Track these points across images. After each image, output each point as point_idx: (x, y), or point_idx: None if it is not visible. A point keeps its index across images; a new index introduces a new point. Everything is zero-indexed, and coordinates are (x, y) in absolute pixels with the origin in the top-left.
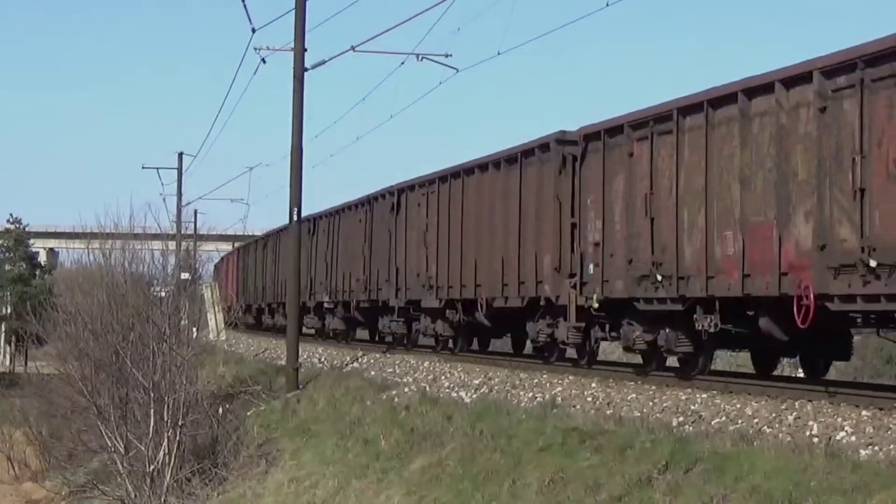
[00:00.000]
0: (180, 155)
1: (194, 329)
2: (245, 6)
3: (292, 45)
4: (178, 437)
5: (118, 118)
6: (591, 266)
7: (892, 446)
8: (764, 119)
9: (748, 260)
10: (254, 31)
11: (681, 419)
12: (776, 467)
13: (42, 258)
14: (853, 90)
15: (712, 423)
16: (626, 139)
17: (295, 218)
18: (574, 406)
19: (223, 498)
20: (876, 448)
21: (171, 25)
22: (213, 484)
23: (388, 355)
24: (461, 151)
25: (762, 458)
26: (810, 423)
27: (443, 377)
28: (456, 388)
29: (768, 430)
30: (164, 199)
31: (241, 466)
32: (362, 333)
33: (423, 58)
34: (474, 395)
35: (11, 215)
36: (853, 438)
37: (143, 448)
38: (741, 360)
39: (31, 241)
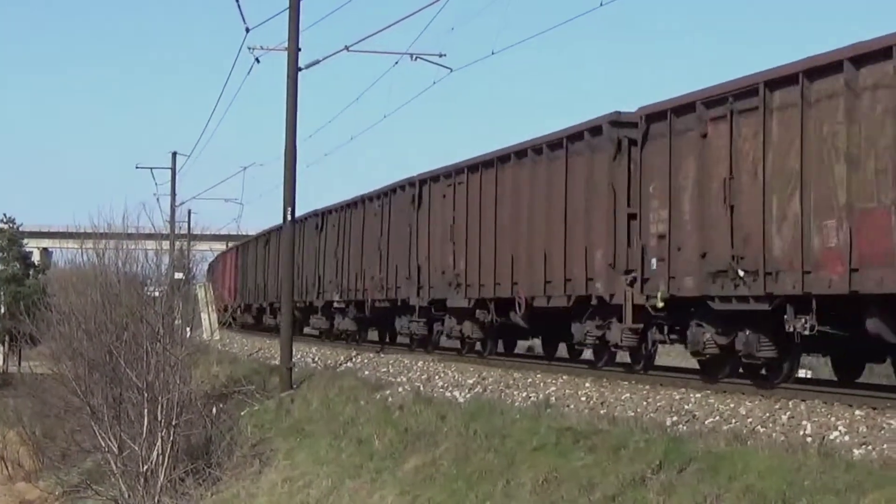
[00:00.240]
0: (174, 155)
1: (188, 329)
2: (239, 6)
3: (286, 44)
4: (171, 437)
5: (112, 118)
6: (654, 261)
7: (885, 446)
8: (878, 91)
9: (856, 252)
10: (248, 30)
11: (675, 419)
12: (770, 467)
13: (36, 258)
14: None
15: (706, 422)
16: (698, 119)
17: (289, 217)
18: (568, 405)
19: (217, 498)
20: (869, 447)
21: (165, 25)
22: (206, 484)
23: (382, 355)
24: (455, 151)
25: (756, 458)
26: (804, 422)
27: (436, 377)
28: (450, 388)
29: (762, 430)
30: (157, 199)
31: (235, 466)
32: (368, 334)
33: (417, 57)
34: (468, 395)
35: (5, 215)
36: (847, 438)
37: (136, 448)
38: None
39: (25, 240)
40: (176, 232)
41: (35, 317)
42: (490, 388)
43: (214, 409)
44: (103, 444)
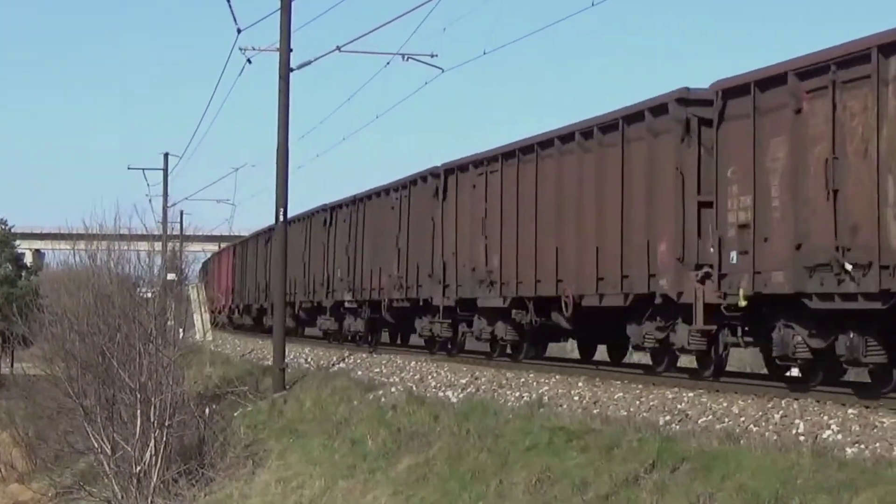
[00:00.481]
0: (166, 156)
1: (181, 330)
2: (230, 6)
3: (278, 45)
4: (164, 438)
5: (104, 119)
6: (734, 254)
7: (877, 444)
8: None
9: None
10: (239, 31)
11: (667, 418)
12: (763, 466)
13: (28, 259)
14: None
15: (699, 421)
16: (791, 93)
17: (281, 218)
18: (561, 405)
19: (210, 499)
20: (862, 446)
21: (157, 26)
22: (199, 485)
23: (376, 355)
24: (449, 151)
25: (749, 457)
26: (797, 421)
27: (429, 377)
28: (443, 388)
29: (755, 429)
30: (149, 200)
31: (228, 467)
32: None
33: (408, 58)
34: (461, 395)
35: None
36: (839, 437)
37: (129, 449)
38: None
39: (17, 242)
40: (168, 233)
41: (27, 318)
42: (483, 387)
43: (207, 410)
44: (96, 446)
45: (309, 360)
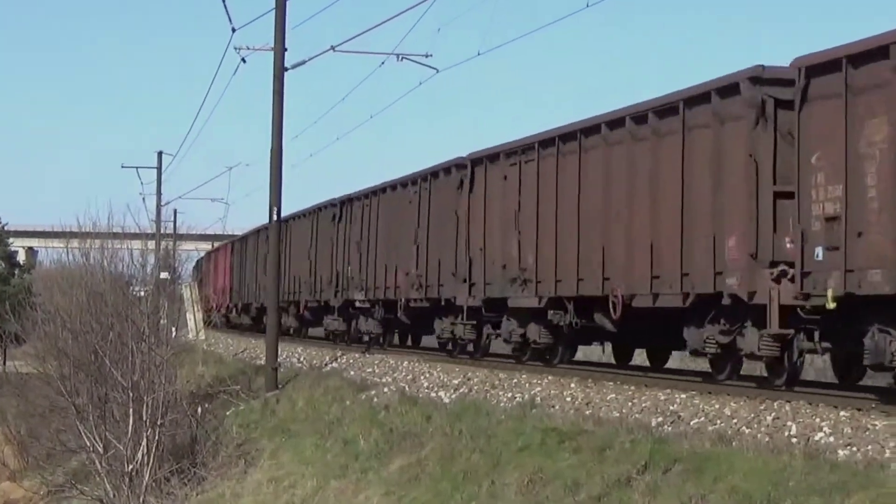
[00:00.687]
0: (160, 154)
1: (173, 328)
2: (225, 5)
3: (272, 44)
4: (156, 437)
5: (98, 117)
6: (820, 250)
7: (869, 447)
8: None
9: None
10: (234, 30)
11: (660, 419)
12: (755, 468)
13: (21, 257)
14: None
15: (691, 423)
16: (893, 68)
17: (275, 217)
18: (553, 406)
19: (202, 498)
20: (854, 448)
21: (151, 24)
22: (191, 484)
23: (368, 355)
24: (443, 151)
25: (741, 459)
26: (789, 423)
27: (422, 377)
28: (435, 388)
29: (747, 431)
30: (143, 199)
31: (220, 466)
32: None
33: (403, 58)
34: (453, 395)
35: None
36: (831, 439)
37: (121, 448)
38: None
39: (10, 240)
40: (161, 232)
41: (20, 316)
42: (475, 388)
43: (200, 409)
44: (88, 444)
45: (302, 359)
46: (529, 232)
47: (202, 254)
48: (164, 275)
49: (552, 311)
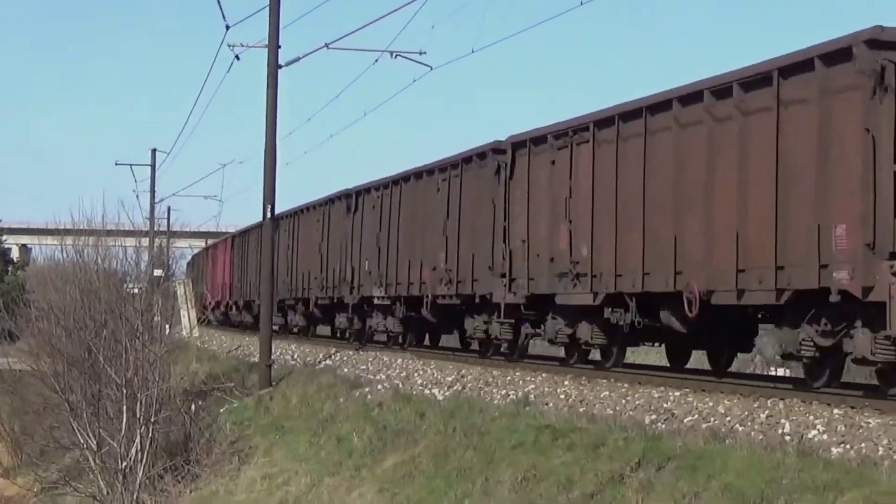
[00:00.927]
0: (154, 151)
1: (167, 326)
2: (219, 3)
3: (266, 41)
4: (150, 434)
5: (91, 114)
6: None
7: (863, 445)
8: None
9: None
10: (228, 27)
11: (653, 417)
12: (748, 465)
13: (14, 254)
14: None
15: (685, 420)
16: None
17: (269, 215)
18: (547, 403)
19: (196, 495)
20: (847, 446)
21: (146, 22)
22: (185, 481)
23: (361, 352)
24: (437, 149)
25: (734, 456)
26: (782, 421)
27: (416, 374)
28: (429, 386)
29: (741, 429)
30: (137, 196)
31: (214, 463)
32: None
33: (397, 55)
34: (447, 393)
35: None
36: (825, 437)
37: (115, 445)
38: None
39: (4, 237)
40: (155, 229)
41: (14, 313)
42: (469, 385)
43: (193, 406)
44: (82, 441)
45: (295, 356)
46: (583, 221)
47: (196, 251)
48: (157, 272)
49: (610, 309)
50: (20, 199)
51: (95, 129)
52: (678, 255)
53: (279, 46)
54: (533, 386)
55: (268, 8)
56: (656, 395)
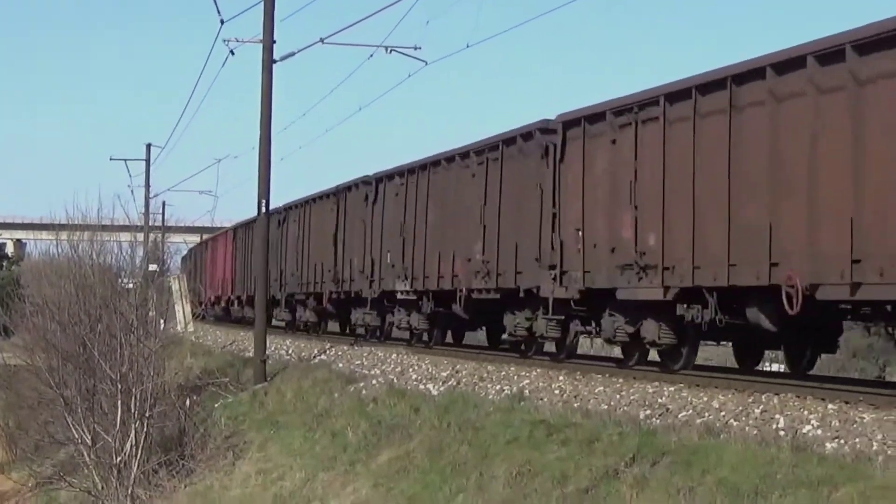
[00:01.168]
0: (148, 146)
1: (162, 320)
2: None
3: (261, 36)
4: (145, 429)
5: (86, 109)
6: None
7: (857, 440)
8: None
9: None
10: (222, 22)
11: (648, 412)
12: (743, 460)
13: (9, 249)
14: None
15: (679, 416)
16: None
17: (263, 210)
18: (541, 399)
19: (190, 490)
20: (842, 441)
21: (141, 17)
22: (180, 476)
23: (356, 347)
24: (432, 144)
25: (729, 451)
26: (777, 416)
27: (410, 370)
28: (424, 381)
29: (735, 424)
30: (132, 191)
31: (209, 458)
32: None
33: (392, 50)
34: (442, 388)
35: None
36: (819, 432)
37: (109, 440)
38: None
39: None
40: (150, 224)
41: (8, 308)
42: (464, 380)
43: (188, 401)
44: (76, 436)
45: (290, 351)
46: (651, 208)
47: (191, 246)
48: (152, 267)
49: (683, 305)
50: (15, 193)
51: (90, 123)
52: (774, 244)
53: (274, 41)
54: (528, 381)
55: (262, 3)
56: (651, 391)
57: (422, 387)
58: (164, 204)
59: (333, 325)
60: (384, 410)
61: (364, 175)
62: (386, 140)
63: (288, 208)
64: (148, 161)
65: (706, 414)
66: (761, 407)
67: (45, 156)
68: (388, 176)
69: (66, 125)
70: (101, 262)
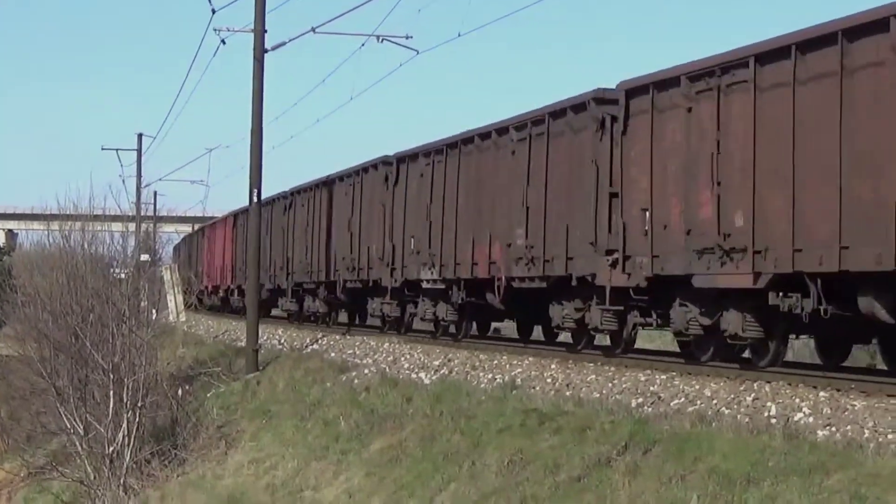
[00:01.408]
0: (140, 136)
1: (154, 310)
2: None
3: (252, 26)
4: (137, 419)
5: (78, 99)
6: None
7: (849, 427)
8: None
9: None
10: (214, 11)
11: (640, 400)
12: (735, 448)
13: (1, 239)
14: None
15: (671, 404)
16: None
17: (255, 199)
18: (533, 387)
19: (183, 479)
20: (833, 429)
21: (132, 6)
22: (172, 465)
23: (348, 336)
24: (423, 133)
25: (721, 439)
26: (769, 404)
27: (402, 359)
28: (416, 370)
29: (727, 412)
30: (123, 181)
31: (201, 448)
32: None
33: (383, 39)
34: (434, 377)
35: None
36: (811, 419)
37: (102, 430)
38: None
39: None
40: (142, 214)
41: (0, 298)
42: (456, 369)
43: (180, 391)
44: (69, 426)
45: (282, 341)
46: (739, 184)
47: (182, 236)
48: (144, 257)
49: (779, 294)
50: (6, 184)
51: (82, 113)
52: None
53: (265, 31)
54: (520, 370)
55: None
56: (643, 379)
57: (414, 376)
58: (155, 194)
59: (340, 317)
60: (376, 399)
61: (383, 155)
62: (378, 129)
63: (295, 192)
64: (139, 151)
65: (698, 402)
66: (753, 395)
67: (36, 146)
68: (412, 155)
69: (57, 115)
70: (92, 252)
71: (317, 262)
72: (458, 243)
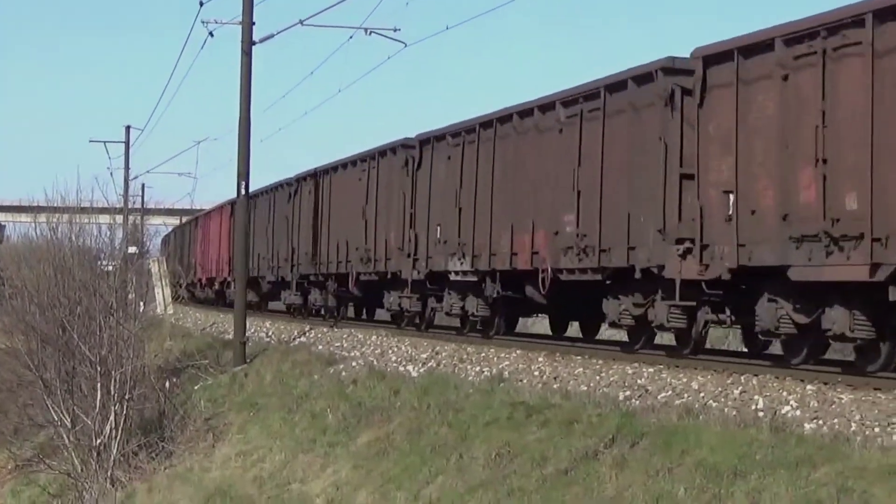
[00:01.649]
0: (127, 128)
1: (141, 303)
2: None
3: (240, 18)
4: (124, 412)
5: (65, 91)
6: None
7: (836, 420)
8: None
9: None
10: (202, 4)
11: (627, 393)
12: (722, 441)
13: None
14: None
15: (658, 397)
16: None
17: (243, 192)
18: (521, 380)
19: (170, 472)
20: (820, 422)
21: None
22: (160, 458)
23: (336, 329)
24: (415, 125)
25: (708, 432)
26: (756, 397)
27: (390, 351)
28: (403, 363)
29: (714, 405)
30: (111, 173)
31: (189, 440)
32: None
33: (371, 32)
34: (422, 370)
35: None
36: (798, 413)
37: (89, 422)
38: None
39: None
40: (129, 206)
41: None
42: (443, 362)
43: (168, 384)
44: (56, 419)
45: (270, 333)
46: (850, 161)
47: (170, 228)
48: (132, 249)
49: None
50: None
51: (70, 105)
52: None
53: (253, 23)
54: (507, 363)
55: None
56: (630, 372)
57: (401, 369)
58: (143, 186)
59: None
60: (364, 392)
61: (404, 137)
62: (366, 122)
63: (301, 179)
64: (127, 143)
65: (685, 395)
66: (740, 388)
67: (23, 138)
68: (438, 137)
69: (45, 107)
70: (80, 244)
71: (324, 253)
72: (494, 232)
